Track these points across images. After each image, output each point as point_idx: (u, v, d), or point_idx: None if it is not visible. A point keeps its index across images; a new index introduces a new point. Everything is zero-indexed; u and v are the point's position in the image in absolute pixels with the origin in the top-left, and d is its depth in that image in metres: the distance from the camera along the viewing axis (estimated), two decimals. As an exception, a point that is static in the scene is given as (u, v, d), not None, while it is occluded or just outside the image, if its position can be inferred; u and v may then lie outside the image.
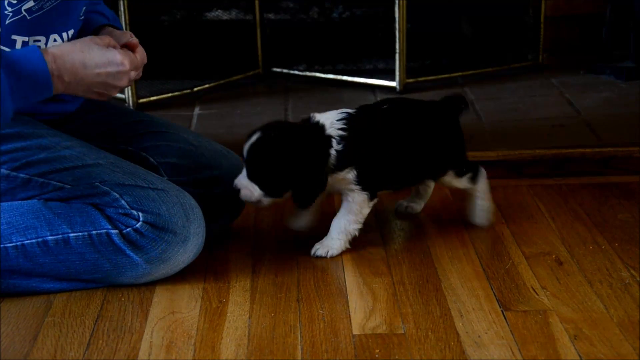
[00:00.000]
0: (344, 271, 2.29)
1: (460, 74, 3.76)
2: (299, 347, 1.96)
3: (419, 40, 3.87)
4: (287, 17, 3.95)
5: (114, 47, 2.09)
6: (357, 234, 2.37)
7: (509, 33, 3.94)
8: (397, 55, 3.55)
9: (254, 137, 2.26)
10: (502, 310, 2.08)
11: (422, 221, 2.58)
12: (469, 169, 2.49)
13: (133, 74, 2.11)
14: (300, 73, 3.84)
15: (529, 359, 1.89)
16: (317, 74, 3.80)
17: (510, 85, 3.68)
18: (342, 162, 2.27)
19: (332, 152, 2.26)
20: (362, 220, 2.36)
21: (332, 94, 3.59)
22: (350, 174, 2.29)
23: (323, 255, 2.34)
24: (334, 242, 2.35)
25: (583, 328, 2.00)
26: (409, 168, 2.39)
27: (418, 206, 2.62)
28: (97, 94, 2.09)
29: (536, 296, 2.14)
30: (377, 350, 1.93)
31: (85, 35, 2.19)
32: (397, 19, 3.51)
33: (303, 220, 2.43)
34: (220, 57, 3.86)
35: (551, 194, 2.74)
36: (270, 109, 3.37)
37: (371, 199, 2.35)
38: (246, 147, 2.26)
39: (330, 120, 2.28)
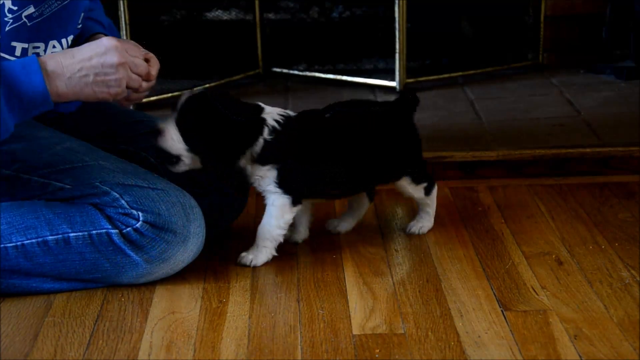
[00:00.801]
0: (344, 271, 2.29)
1: (460, 74, 3.76)
2: (299, 347, 1.96)
3: (419, 40, 3.87)
4: (287, 17, 3.95)
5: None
6: (281, 239, 2.31)
7: (509, 33, 3.94)
8: (397, 55, 3.55)
9: (195, 92, 2.22)
10: (502, 310, 2.08)
11: (422, 221, 2.58)
12: (426, 179, 2.43)
13: (136, 79, 2.07)
14: (300, 73, 3.84)
15: (529, 359, 1.89)
16: (317, 74, 3.80)
17: (510, 85, 3.68)
18: (266, 156, 2.22)
19: (260, 139, 2.22)
20: (285, 226, 2.30)
21: (332, 94, 3.59)
22: (271, 173, 2.24)
23: (247, 264, 2.30)
24: (259, 251, 2.31)
25: (583, 328, 2.00)
26: (340, 176, 2.30)
27: (347, 225, 2.49)
28: (97, 92, 2.05)
29: (536, 296, 2.14)
30: (377, 350, 1.93)
31: (80, 44, 2.20)
32: (397, 19, 3.51)
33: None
34: (220, 57, 3.87)
35: (551, 194, 2.74)
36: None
37: (294, 204, 2.28)
38: (184, 96, 2.21)
39: (273, 111, 2.26)
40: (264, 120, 2.23)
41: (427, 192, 2.44)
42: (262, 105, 2.27)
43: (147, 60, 2.14)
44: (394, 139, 2.35)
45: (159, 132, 2.21)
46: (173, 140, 2.20)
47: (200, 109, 2.19)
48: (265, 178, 2.25)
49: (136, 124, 2.45)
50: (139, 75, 2.08)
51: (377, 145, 2.32)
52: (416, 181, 2.41)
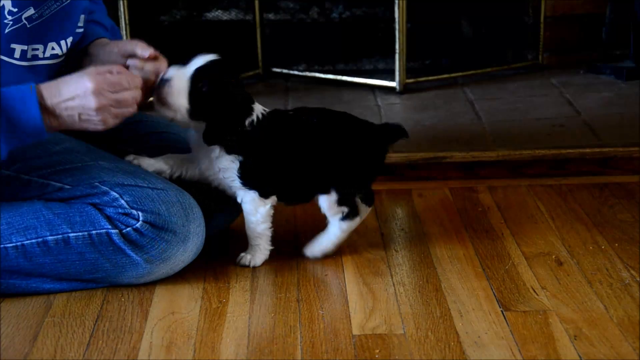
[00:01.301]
0: (344, 271, 2.29)
1: (460, 74, 3.76)
2: (299, 347, 1.96)
3: (419, 40, 3.87)
4: (287, 17, 3.95)
5: (114, 70, 2.07)
6: (269, 233, 2.31)
7: (509, 33, 3.94)
8: (397, 55, 3.55)
9: (216, 57, 2.22)
10: (502, 311, 2.08)
11: (422, 221, 2.58)
12: (351, 206, 2.32)
13: (128, 94, 2.06)
14: (300, 73, 3.84)
15: (529, 359, 1.89)
16: (317, 74, 3.80)
17: (510, 85, 3.68)
18: (236, 145, 2.22)
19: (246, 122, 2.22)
20: (265, 219, 2.29)
21: (331, 94, 3.59)
22: (234, 163, 2.23)
23: (247, 264, 2.31)
24: (255, 250, 2.32)
25: (583, 328, 2.00)
26: (297, 177, 2.29)
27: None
28: (88, 127, 2.06)
29: (536, 296, 2.14)
30: (377, 351, 1.93)
31: (82, 49, 2.22)
32: (397, 19, 3.51)
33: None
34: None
35: (551, 194, 2.74)
36: (270, 109, 3.37)
37: (263, 196, 2.27)
38: (205, 59, 2.20)
39: (260, 106, 2.27)
40: (250, 111, 2.23)
41: (343, 218, 2.32)
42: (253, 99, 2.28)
43: (155, 58, 2.15)
44: (353, 155, 2.30)
45: (166, 81, 2.16)
46: (179, 94, 2.16)
47: (216, 76, 2.18)
48: (228, 170, 2.24)
49: (136, 124, 2.45)
50: (131, 104, 2.08)
51: (333, 154, 2.28)
52: (339, 202, 2.31)
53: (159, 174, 2.28)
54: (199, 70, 2.18)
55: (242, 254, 2.33)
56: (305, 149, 2.27)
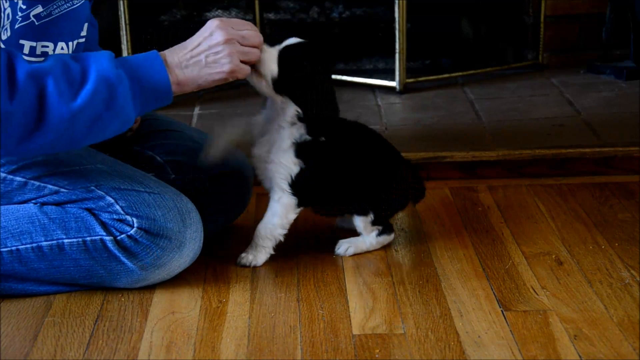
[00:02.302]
0: (344, 271, 2.29)
1: (460, 74, 3.76)
2: (299, 347, 1.96)
3: (419, 40, 3.87)
4: (287, 17, 3.95)
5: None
6: (282, 239, 2.31)
7: (509, 33, 3.94)
8: (397, 55, 3.56)
9: (304, 40, 2.23)
10: (502, 310, 2.08)
11: (422, 221, 2.58)
12: (385, 224, 2.38)
13: (249, 51, 2.09)
14: (300, 73, 3.83)
15: (529, 359, 1.89)
16: (317, 74, 3.80)
17: (510, 85, 3.68)
18: (302, 150, 2.23)
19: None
20: (287, 226, 2.30)
21: (332, 94, 3.59)
22: (295, 166, 2.23)
23: (247, 265, 2.30)
24: (259, 250, 2.31)
25: (583, 328, 2.00)
26: (343, 196, 2.32)
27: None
28: (213, 74, 2.07)
29: (536, 296, 2.14)
30: (377, 350, 1.93)
31: None
32: (397, 19, 3.51)
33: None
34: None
35: (551, 194, 2.74)
36: (270, 109, 3.38)
37: (300, 205, 2.28)
38: (295, 40, 2.21)
39: None
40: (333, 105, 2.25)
41: (379, 234, 2.37)
42: None
43: None
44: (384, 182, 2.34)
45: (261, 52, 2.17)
46: (269, 64, 2.16)
47: (301, 55, 2.19)
48: (285, 168, 2.24)
49: (141, 122, 2.45)
50: (253, 46, 2.10)
51: (373, 177, 2.33)
52: (373, 223, 2.36)
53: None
54: (288, 47, 2.19)
55: (243, 255, 2.33)
56: (359, 169, 2.30)
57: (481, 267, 2.29)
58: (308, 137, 2.22)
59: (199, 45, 2.06)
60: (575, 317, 2.04)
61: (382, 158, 2.36)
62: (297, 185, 2.24)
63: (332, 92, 2.24)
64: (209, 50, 2.05)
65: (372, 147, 2.36)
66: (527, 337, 1.97)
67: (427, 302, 2.12)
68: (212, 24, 2.07)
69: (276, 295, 2.18)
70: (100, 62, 1.97)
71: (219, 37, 2.05)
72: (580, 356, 1.89)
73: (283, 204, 2.27)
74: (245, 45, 2.09)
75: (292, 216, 2.29)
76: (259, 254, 2.31)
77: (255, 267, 2.31)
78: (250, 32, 2.10)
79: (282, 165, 2.24)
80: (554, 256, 2.34)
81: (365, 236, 2.37)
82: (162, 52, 2.05)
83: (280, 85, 2.18)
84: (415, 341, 1.96)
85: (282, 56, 2.17)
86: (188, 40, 2.08)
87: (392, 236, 2.40)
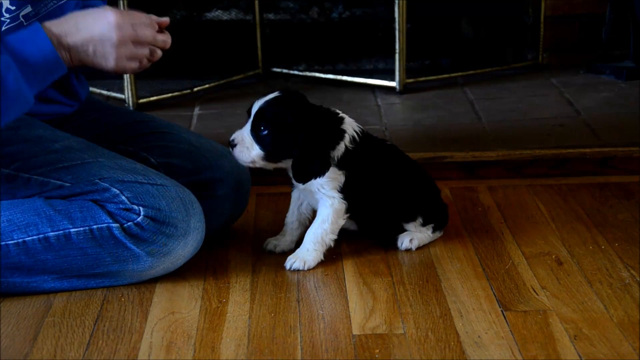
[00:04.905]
0: (344, 271, 2.29)
1: (460, 74, 3.76)
2: (299, 347, 1.96)
3: (419, 40, 3.87)
4: (287, 17, 3.95)
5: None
6: (332, 244, 2.32)
7: (509, 33, 3.94)
8: (397, 55, 3.55)
9: (274, 94, 2.23)
10: (502, 310, 2.08)
11: (422, 221, 2.58)
12: (436, 220, 2.43)
13: (150, 35, 2.07)
14: (300, 73, 3.84)
15: (529, 359, 1.89)
16: (317, 74, 3.80)
17: (510, 85, 3.68)
18: (344, 161, 2.26)
19: (342, 145, 2.25)
20: (337, 231, 2.31)
21: (332, 94, 3.59)
22: (340, 177, 2.26)
23: (300, 268, 2.28)
24: (310, 253, 2.30)
25: (583, 328, 2.00)
26: (385, 203, 2.36)
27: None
28: (102, 64, 2.05)
29: (536, 296, 2.14)
30: (377, 350, 1.93)
31: None
32: (397, 19, 3.51)
33: (283, 243, 2.39)
34: (220, 57, 3.87)
35: (551, 194, 2.74)
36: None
37: (347, 212, 2.30)
38: (261, 102, 2.23)
39: (352, 121, 2.30)
40: (343, 131, 2.26)
41: (433, 231, 2.43)
42: (339, 111, 2.30)
43: (160, 30, 2.13)
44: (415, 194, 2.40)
45: (233, 145, 2.24)
46: (250, 152, 2.23)
47: (283, 114, 2.21)
48: (333, 181, 2.26)
49: (137, 124, 2.45)
50: (146, 43, 2.08)
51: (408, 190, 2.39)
52: (424, 224, 2.42)
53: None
54: (255, 117, 2.22)
55: (292, 258, 2.30)
56: (400, 174, 2.37)
57: (481, 267, 2.29)
58: (343, 150, 2.25)
59: (91, 37, 2.02)
60: (575, 317, 2.04)
61: (417, 166, 2.43)
62: (347, 190, 2.27)
63: (317, 139, 2.23)
64: (99, 45, 2.03)
65: (406, 158, 2.41)
66: (527, 337, 1.97)
67: (427, 302, 2.12)
68: (110, 18, 2.02)
69: (276, 295, 2.18)
70: None
71: (112, 36, 2.02)
72: (580, 356, 1.89)
73: (335, 209, 2.28)
74: (138, 42, 2.06)
75: (342, 222, 2.31)
76: (310, 256, 2.30)
77: (309, 269, 2.29)
78: (145, 31, 2.07)
79: (330, 178, 2.26)
80: (554, 256, 2.34)
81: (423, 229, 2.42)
82: (45, 25, 2.00)
83: (272, 156, 2.24)
84: (415, 341, 1.96)
85: (254, 135, 2.22)
86: (80, 18, 2.03)
87: (442, 231, 2.46)
